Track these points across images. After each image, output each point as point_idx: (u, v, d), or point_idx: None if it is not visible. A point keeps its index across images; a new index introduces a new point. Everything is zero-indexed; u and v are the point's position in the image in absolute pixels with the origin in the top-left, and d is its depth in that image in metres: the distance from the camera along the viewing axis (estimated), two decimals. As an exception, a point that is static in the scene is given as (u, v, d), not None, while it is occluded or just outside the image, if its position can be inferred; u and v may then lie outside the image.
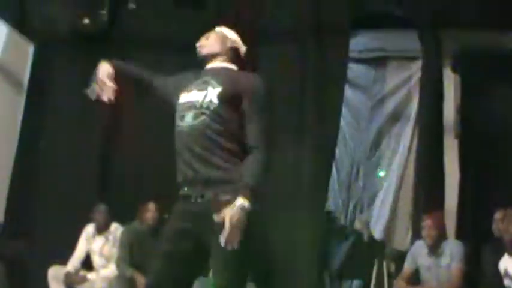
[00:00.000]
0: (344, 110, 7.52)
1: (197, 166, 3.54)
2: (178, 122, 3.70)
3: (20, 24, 7.85)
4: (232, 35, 3.96)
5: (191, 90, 3.75)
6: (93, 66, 7.45)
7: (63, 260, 6.71)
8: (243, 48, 3.96)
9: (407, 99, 7.78)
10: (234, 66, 3.84)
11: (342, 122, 7.59)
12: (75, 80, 7.59)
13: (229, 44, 3.89)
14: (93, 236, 6.82)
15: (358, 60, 7.96)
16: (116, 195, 7.16)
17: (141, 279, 6.19)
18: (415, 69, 7.55)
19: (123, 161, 7.37)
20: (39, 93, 7.89)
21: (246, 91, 3.62)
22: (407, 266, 6.16)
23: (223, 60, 3.84)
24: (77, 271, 6.66)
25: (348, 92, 7.81)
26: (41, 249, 7.06)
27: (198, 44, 3.88)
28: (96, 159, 7.40)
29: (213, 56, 3.86)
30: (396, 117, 7.90)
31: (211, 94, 3.64)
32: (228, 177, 3.47)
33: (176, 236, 3.63)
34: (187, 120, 3.66)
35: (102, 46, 7.50)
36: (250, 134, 3.56)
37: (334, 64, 6.76)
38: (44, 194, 7.52)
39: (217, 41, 3.88)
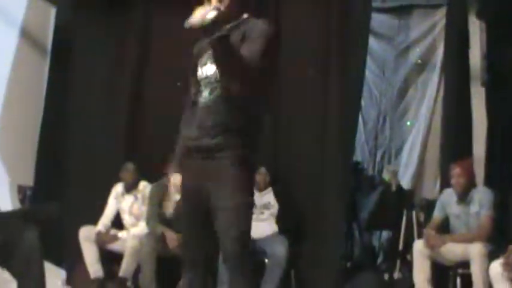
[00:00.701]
0: (369, 60, 7.47)
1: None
2: (196, 97, 3.72)
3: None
4: None
5: (205, 64, 3.74)
6: (115, 26, 7.51)
7: (94, 220, 6.77)
8: None
9: (433, 47, 7.71)
10: (242, 17, 3.74)
11: (367, 73, 7.54)
12: (98, 40, 7.63)
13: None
14: (123, 195, 6.86)
15: (382, 10, 7.90)
16: (144, 154, 7.18)
17: (171, 236, 6.25)
18: (440, 17, 7.46)
19: (151, 119, 7.37)
20: (63, 55, 7.89)
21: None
22: (437, 214, 6.15)
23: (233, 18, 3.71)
24: (107, 230, 6.72)
25: (372, 42, 7.76)
26: (72, 210, 7.13)
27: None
28: (123, 119, 7.42)
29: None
30: (422, 65, 7.84)
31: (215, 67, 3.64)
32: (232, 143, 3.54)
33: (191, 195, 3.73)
34: (204, 96, 3.68)
35: (123, 6, 7.51)
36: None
37: (357, 14, 6.66)
38: (72, 155, 7.58)
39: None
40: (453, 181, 5.99)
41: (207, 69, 3.72)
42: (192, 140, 3.67)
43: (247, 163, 3.62)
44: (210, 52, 3.66)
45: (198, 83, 3.76)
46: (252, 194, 3.70)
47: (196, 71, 3.80)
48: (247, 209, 3.63)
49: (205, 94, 3.68)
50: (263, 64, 3.56)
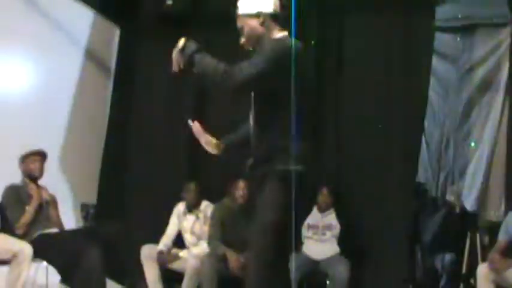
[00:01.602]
0: (432, 80, 7.37)
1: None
2: None
3: (105, 9, 7.98)
4: (253, 7, 4.03)
5: None
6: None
7: (156, 239, 6.81)
8: (275, 7, 4.07)
9: (497, 67, 7.57)
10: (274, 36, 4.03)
11: (431, 93, 7.45)
12: (161, 61, 7.70)
13: (260, 31, 4.04)
14: (184, 215, 6.89)
15: (445, 29, 7.79)
16: (206, 173, 7.21)
17: (232, 257, 6.25)
18: (505, 36, 7.32)
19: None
20: (126, 76, 8.02)
21: None
22: (502, 237, 6.01)
23: (269, 38, 4.03)
24: (169, 249, 6.75)
25: (436, 62, 7.66)
26: (134, 229, 7.20)
27: (241, 43, 4.10)
28: (185, 138, 7.44)
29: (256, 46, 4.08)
30: (486, 86, 7.70)
31: None
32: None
33: None
34: None
35: (186, 27, 7.57)
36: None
37: (420, 34, 6.62)
38: (135, 175, 7.67)
39: (252, 29, 4.04)
40: None
41: None
42: None
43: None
44: None
45: None
46: None
47: None
48: None
49: None
50: (263, 85, 3.85)
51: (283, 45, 3.95)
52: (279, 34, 4.06)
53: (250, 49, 4.10)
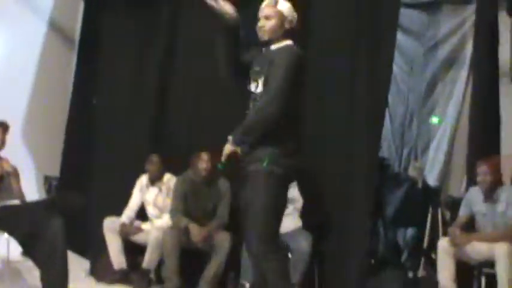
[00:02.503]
0: (397, 56, 7.40)
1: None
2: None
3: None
4: (288, 10, 4.40)
5: (250, 79, 4.41)
6: (141, 19, 7.58)
7: (118, 211, 6.80)
8: (295, 21, 4.45)
9: (462, 44, 7.62)
10: (284, 43, 4.39)
11: (395, 69, 7.47)
12: (124, 33, 7.66)
13: (287, 26, 4.39)
14: (147, 187, 6.89)
15: (411, 6, 7.82)
16: (169, 146, 7.20)
17: (195, 229, 6.27)
18: (469, 13, 7.36)
19: (176, 112, 7.39)
20: (90, 47, 7.97)
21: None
22: (462, 213, 6.08)
23: (278, 41, 4.39)
24: (131, 222, 6.76)
25: (401, 38, 7.68)
26: (97, 201, 7.18)
27: (259, 25, 4.39)
28: (148, 111, 7.44)
29: (270, 39, 4.39)
30: (450, 62, 7.75)
31: (260, 86, 4.31)
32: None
33: None
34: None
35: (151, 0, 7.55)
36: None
37: (386, 10, 6.61)
38: (97, 147, 7.65)
39: (277, 25, 4.37)
40: (479, 179, 5.92)
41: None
42: None
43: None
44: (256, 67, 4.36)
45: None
46: None
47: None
48: None
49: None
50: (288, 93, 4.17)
51: (298, 53, 4.34)
52: (290, 42, 4.43)
53: (263, 38, 4.38)
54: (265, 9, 4.39)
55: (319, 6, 6.82)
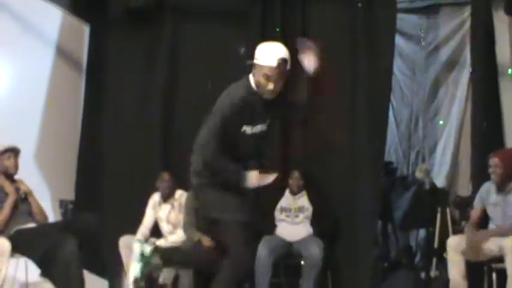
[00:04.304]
0: (399, 61, 7.52)
1: None
2: None
3: (74, 7, 8.04)
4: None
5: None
6: (145, 42, 7.66)
7: (133, 230, 6.89)
8: None
9: (462, 45, 7.72)
10: None
11: (398, 74, 7.59)
12: (129, 56, 7.78)
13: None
14: (160, 204, 6.96)
15: (409, 10, 7.92)
16: (179, 163, 7.28)
17: (207, 243, 6.35)
18: (467, 15, 7.44)
19: (184, 130, 7.47)
20: (97, 72, 8.07)
21: None
22: (477, 205, 6.06)
23: None
24: (146, 239, 6.84)
25: (401, 43, 7.81)
26: (112, 221, 7.26)
27: (269, 88, 4.26)
28: (157, 130, 7.54)
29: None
30: (451, 64, 7.85)
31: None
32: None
33: None
34: None
35: (153, 23, 7.65)
36: None
37: (383, 15, 6.69)
38: (109, 168, 7.73)
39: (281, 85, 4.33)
40: (491, 170, 5.92)
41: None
42: None
43: None
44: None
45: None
46: None
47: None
48: None
49: None
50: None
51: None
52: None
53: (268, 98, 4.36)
54: (275, 73, 4.24)
55: (315, 17, 6.92)
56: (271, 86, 4.24)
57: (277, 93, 4.32)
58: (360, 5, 6.67)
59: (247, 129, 4.36)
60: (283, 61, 4.23)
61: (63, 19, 8.14)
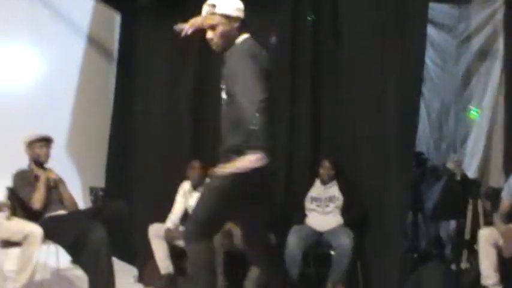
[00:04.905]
0: (430, 51, 7.46)
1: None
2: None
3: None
4: (230, 7, 4.24)
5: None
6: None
7: (163, 218, 6.92)
8: (241, 12, 4.31)
9: (494, 35, 7.61)
10: (237, 42, 4.28)
11: (429, 64, 7.52)
12: (160, 44, 7.80)
13: (235, 24, 4.27)
14: (190, 193, 6.98)
15: (441, 0, 7.84)
16: (209, 151, 7.30)
17: (237, 231, 6.36)
18: (500, 4, 7.36)
19: (214, 117, 7.47)
20: (128, 60, 8.12)
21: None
22: (505, 198, 6.00)
23: (233, 44, 4.27)
24: (176, 227, 6.85)
25: (433, 32, 7.74)
26: (141, 209, 7.30)
27: (207, 37, 4.29)
28: (187, 118, 7.56)
29: (225, 47, 4.30)
30: (484, 54, 7.76)
31: (223, 94, 4.30)
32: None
33: None
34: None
35: (185, 9, 7.65)
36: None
37: (415, 5, 6.64)
38: (140, 156, 7.78)
39: (226, 30, 4.24)
40: None
41: None
42: None
43: None
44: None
45: None
46: None
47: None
48: None
49: None
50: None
51: (251, 42, 4.28)
52: (244, 36, 4.32)
53: (215, 48, 4.34)
54: (206, 20, 4.24)
55: (347, 6, 6.89)
56: (208, 34, 4.29)
57: (221, 47, 4.29)
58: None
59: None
60: (209, 6, 4.27)
61: (94, 8, 8.20)
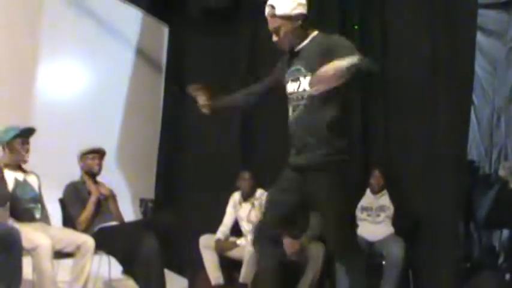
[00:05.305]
0: (479, 57, 7.38)
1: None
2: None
3: (153, 9, 8.17)
4: (290, 7, 4.17)
5: (287, 81, 4.32)
6: (224, 41, 7.72)
7: (214, 229, 6.93)
8: (304, 9, 4.23)
9: (544, 41, 7.55)
10: (312, 35, 4.28)
11: (479, 70, 7.44)
12: (210, 55, 7.84)
13: (300, 21, 4.21)
14: (240, 203, 6.99)
15: (490, 6, 7.78)
16: (259, 162, 7.32)
17: (288, 242, 6.35)
18: (549, 10, 7.30)
19: (264, 128, 7.49)
20: (177, 72, 8.17)
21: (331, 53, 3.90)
22: None
23: (305, 38, 4.27)
24: (226, 238, 6.87)
25: (482, 39, 7.66)
26: (192, 220, 7.33)
27: (274, 41, 4.31)
28: (237, 129, 7.58)
29: (293, 44, 4.30)
30: (534, 60, 7.68)
31: (303, 84, 4.17)
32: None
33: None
34: (290, 114, 4.35)
35: (232, 20, 7.70)
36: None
37: (464, 11, 6.58)
38: (190, 167, 7.82)
39: (290, 30, 4.22)
40: None
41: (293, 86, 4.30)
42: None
43: None
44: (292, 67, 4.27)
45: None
46: None
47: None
48: None
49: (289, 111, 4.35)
50: None
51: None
52: (314, 33, 4.32)
53: (285, 49, 4.39)
54: (269, 23, 4.25)
55: (395, 13, 6.86)
56: (273, 38, 4.30)
57: (288, 46, 4.32)
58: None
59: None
60: (269, 7, 4.23)
61: (143, 20, 8.27)
